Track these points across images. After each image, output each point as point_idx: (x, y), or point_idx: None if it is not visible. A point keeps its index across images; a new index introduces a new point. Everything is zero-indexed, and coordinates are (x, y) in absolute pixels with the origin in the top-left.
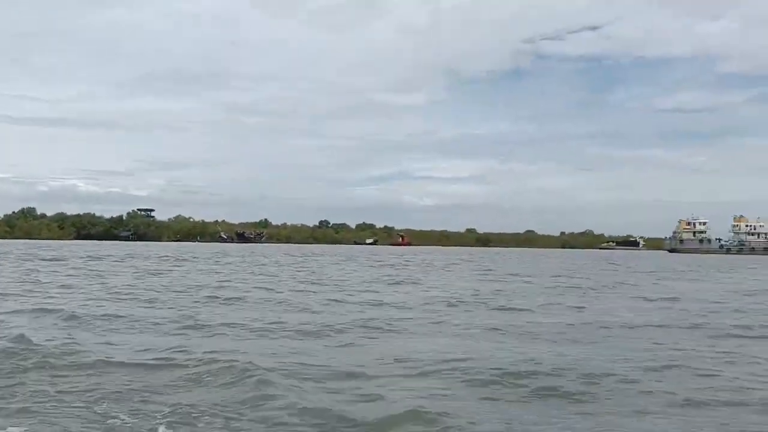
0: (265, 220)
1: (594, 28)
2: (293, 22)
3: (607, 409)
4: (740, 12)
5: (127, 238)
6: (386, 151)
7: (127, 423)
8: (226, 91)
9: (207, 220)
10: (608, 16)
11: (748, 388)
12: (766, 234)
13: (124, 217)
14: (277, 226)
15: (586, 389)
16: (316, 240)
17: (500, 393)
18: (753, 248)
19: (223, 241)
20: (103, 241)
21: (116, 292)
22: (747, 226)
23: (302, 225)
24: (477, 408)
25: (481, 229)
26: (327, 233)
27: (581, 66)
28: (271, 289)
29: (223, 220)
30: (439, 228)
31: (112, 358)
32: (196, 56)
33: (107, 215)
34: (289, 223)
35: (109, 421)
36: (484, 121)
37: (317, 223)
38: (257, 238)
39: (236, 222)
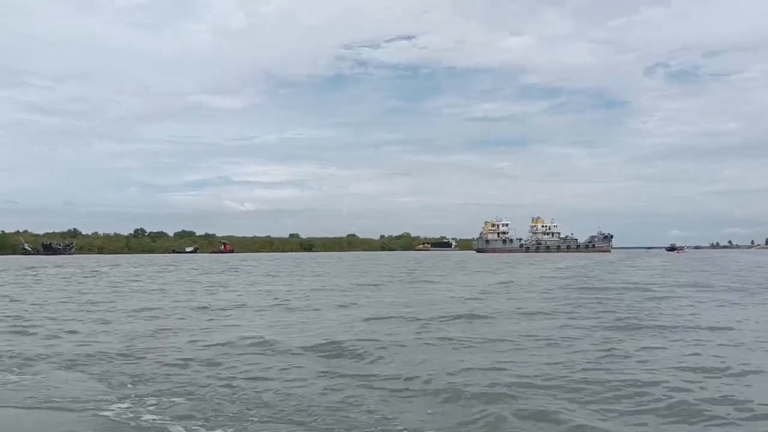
0: (75, 229)
1: (409, 38)
2: (100, 18)
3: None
4: (538, 29)
5: None
6: (204, 155)
7: None
8: (22, 89)
9: (6, 230)
10: (422, 27)
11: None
12: (559, 233)
13: None
14: (88, 236)
15: None
16: (131, 250)
17: None
18: (548, 246)
19: (27, 253)
20: None
21: None
22: (543, 226)
23: (116, 234)
24: None
25: (304, 234)
26: (143, 242)
27: (398, 73)
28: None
29: (26, 231)
30: (262, 234)
31: None
32: None
33: None
34: (101, 233)
35: None
36: (304, 125)
37: (132, 232)
38: (66, 250)
39: (41, 233)
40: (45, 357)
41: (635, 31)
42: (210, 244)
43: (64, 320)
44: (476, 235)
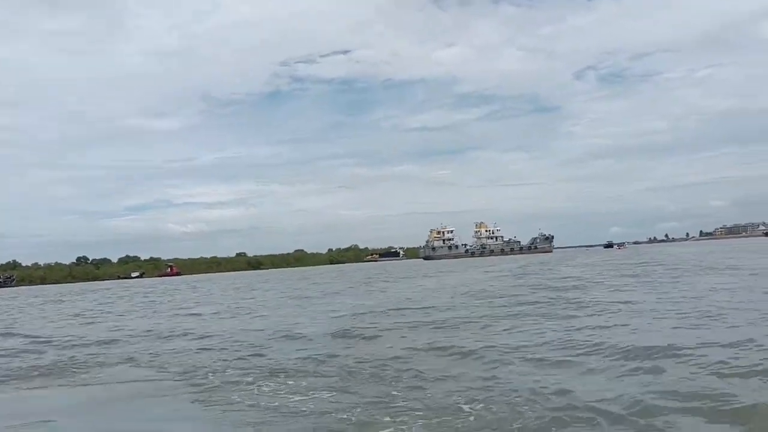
0: (14, 261)
1: (345, 52)
2: (28, 44)
3: None
4: (470, 40)
5: None
6: (142, 178)
7: None
8: None
9: None
10: (356, 42)
11: None
12: (502, 237)
13: None
14: (28, 267)
15: None
16: (75, 278)
17: None
18: (492, 250)
19: None
20: None
21: None
22: (486, 231)
23: (57, 263)
24: None
25: (251, 252)
26: (87, 270)
27: (335, 88)
28: None
29: None
30: (208, 254)
31: None
32: None
33: None
34: (42, 263)
35: None
36: (244, 144)
37: (75, 261)
38: (7, 282)
39: None
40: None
41: (564, 37)
42: (156, 267)
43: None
44: (422, 244)
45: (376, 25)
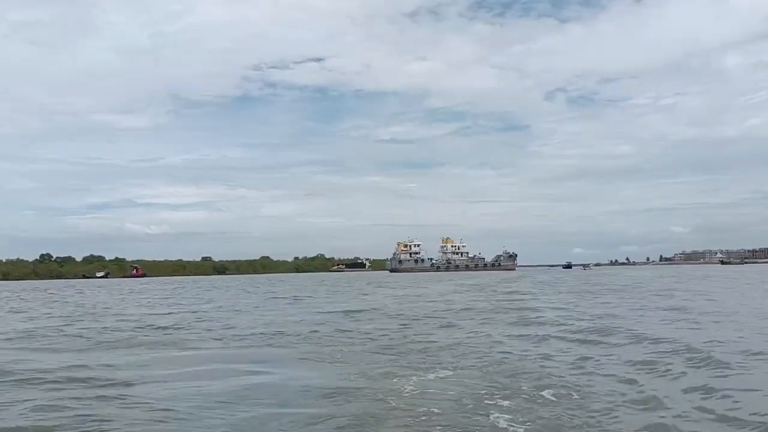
0: None
1: (318, 60)
2: None
3: None
4: (443, 55)
5: None
6: (106, 176)
7: None
8: None
9: None
10: (330, 50)
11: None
12: (467, 253)
13: None
14: None
15: None
16: (39, 276)
17: None
18: (457, 266)
19: None
20: None
21: None
22: (452, 246)
23: (19, 260)
24: None
25: (216, 257)
26: (51, 268)
27: (307, 95)
28: None
29: None
30: (173, 257)
31: None
32: None
33: None
34: (3, 259)
35: None
36: (212, 146)
37: (38, 257)
38: None
39: None
40: None
41: (535, 57)
42: (120, 268)
43: None
44: (389, 255)
45: (350, 35)
